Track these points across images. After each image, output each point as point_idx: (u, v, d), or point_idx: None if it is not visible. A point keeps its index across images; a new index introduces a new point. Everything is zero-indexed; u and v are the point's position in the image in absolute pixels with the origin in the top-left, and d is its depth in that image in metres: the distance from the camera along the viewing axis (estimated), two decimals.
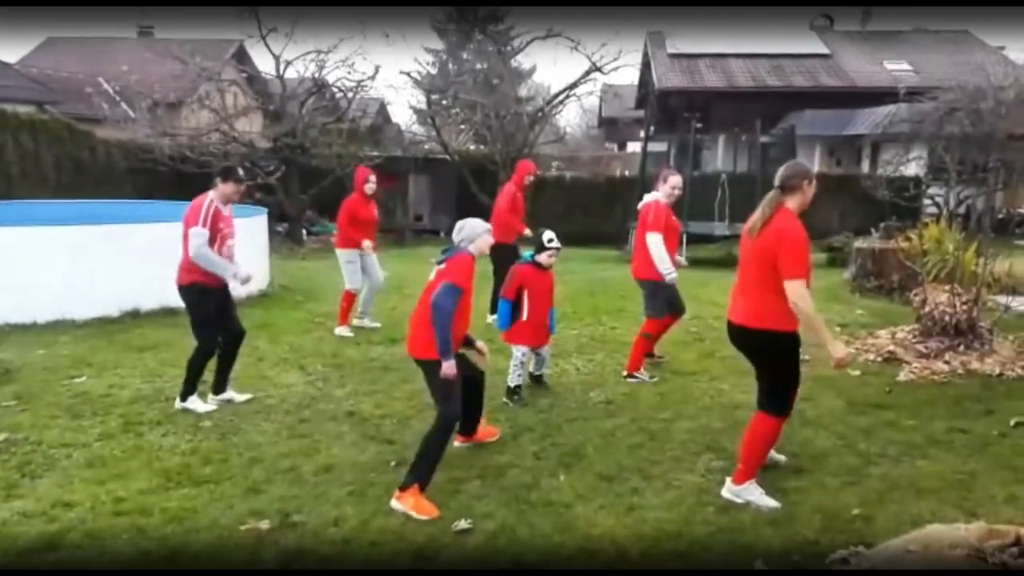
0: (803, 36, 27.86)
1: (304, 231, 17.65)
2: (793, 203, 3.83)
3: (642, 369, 6.06)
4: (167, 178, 16.63)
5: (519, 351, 5.47)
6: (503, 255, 7.04)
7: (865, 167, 21.52)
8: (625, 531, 3.56)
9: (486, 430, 4.69)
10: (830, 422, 4.99)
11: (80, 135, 16.58)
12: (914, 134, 16.30)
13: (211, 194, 5.22)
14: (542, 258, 5.39)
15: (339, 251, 7.71)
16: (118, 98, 19.48)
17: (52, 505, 3.74)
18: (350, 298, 7.61)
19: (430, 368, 3.98)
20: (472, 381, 4.39)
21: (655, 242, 5.85)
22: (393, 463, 4.27)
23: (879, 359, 6.49)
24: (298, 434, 4.73)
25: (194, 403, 5.19)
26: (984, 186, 13.22)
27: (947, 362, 6.19)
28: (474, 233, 4.22)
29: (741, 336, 3.96)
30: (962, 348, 6.39)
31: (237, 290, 5.70)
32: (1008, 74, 15.73)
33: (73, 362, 6.24)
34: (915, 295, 7.13)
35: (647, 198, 6.21)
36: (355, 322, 7.71)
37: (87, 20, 58.64)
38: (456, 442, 4.44)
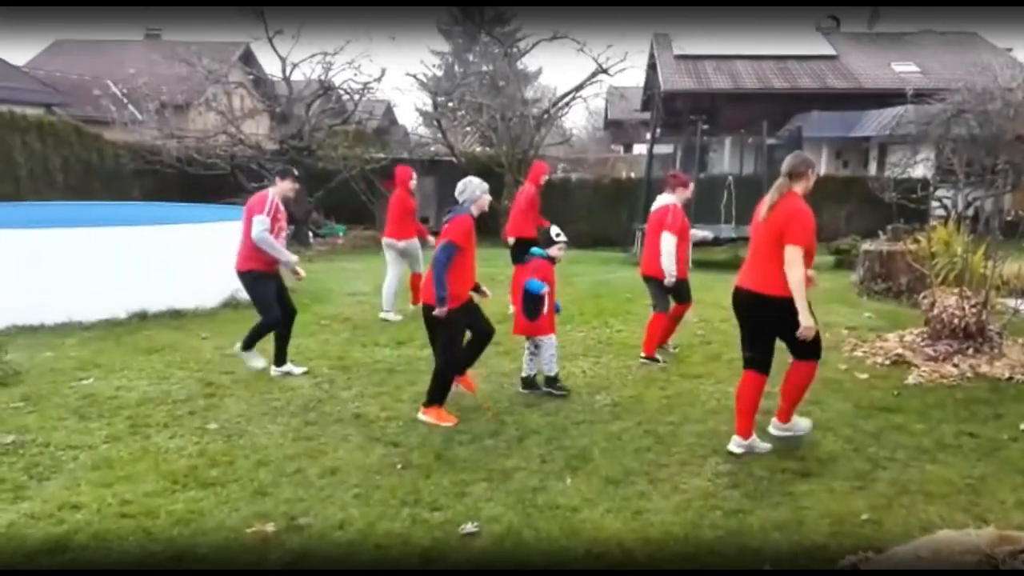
0: (809, 37, 27.79)
1: (311, 233, 17.67)
2: (799, 188, 4.41)
3: (657, 354, 6.55)
4: (174, 180, 16.69)
5: (552, 340, 5.62)
6: (525, 251, 7.23)
7: (872, 169, 21.44)
8: (632, 535, 3.55)
9: (468, 381, 5.43)
10: (838, 425, 4.96)
11: (88, 137, 16.66)
12: (922, 136, 16.23)
13: (272, 190, 5.99)
14: (553, 251, 5.67)
15: (396, 241, 8.31)
16: (126, 100, 19.54)
17: (59, 507, 3.74)
18: (418, 279, 8.20)
19: (432, 312, 4.83)
20: (483, 332, 5.27)
21: (669, 241, 6.38)
22: (399, 465, 4.27)
23: (887, 362, 6.45)
24: (304, 436, 4.73)
25: (251, 357, 6.04)
26: (993, 188, 13.14)
27: (956, 365, 6.15)
28: (474, 194, 5.04)
29: (749, 300, 4.42)
30: (971, 351, 6.34)
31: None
32: (1016, 75, 15.65)
33: (80, 364, 6.25)
34: (923, 298, 7.09)
35: (662, 200, 6.68)
36: (380, 315, 8.25)
37: (95, 23, 58.94)
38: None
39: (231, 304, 8.52)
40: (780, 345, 4.47)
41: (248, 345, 6.04)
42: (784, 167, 4.46)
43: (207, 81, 18.05)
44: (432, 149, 20.85)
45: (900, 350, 6.61)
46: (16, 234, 7.85)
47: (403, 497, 3.88)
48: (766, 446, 4.52)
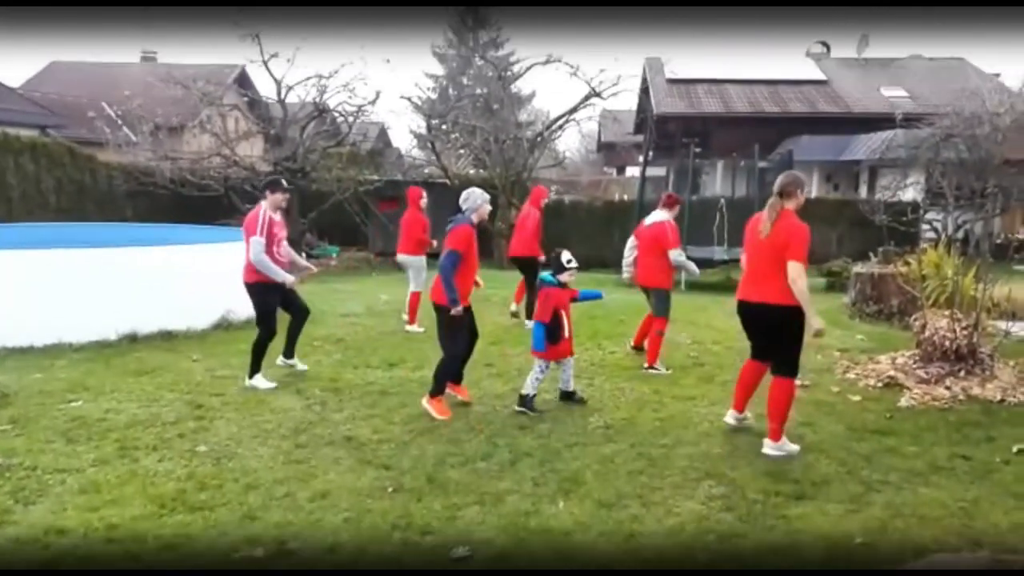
0: (800, 62, 28.13)
1: (304, 254, 17.66)
2: (791, 205, 4.80)
3: (658, 363, 7.07)
4: (167, 201, 16.69)
5: (541, 365, 5.76)
6: (530, 267, 8.96)
7: (863, 192, 21.62)
8: (626, 559, 3.52)
9: (463, 389, 5.90)
10: (831, 448, 4.95)
11: (81, 158, 16.67)
12: (911, 159, 16.40)
13: (263, 204, 6.22)
14: (564, 277, 5.81)
15: (410, 258, 8.87)
16: (120, 122, 19.58)
17: (45, 532, 3.68)
18: (418, 298, 8.71)
19: (442, 312, 5.49)
20: (472, 334, 5.80)
21: (680, 256, 7.26)
22: (390, 489, 4.23)
23: (880, 384, 6.46)
24: (294, 459, 4.69)
25: (259, 381, 6.22)
26: (982, 211, 13.26)
27: (948, 388, 6.16)
28: (476, 203, 5.65)
29: (759, 312, 4.85)
30: (963, 374, 6.36)
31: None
32: (1004, 101, 15.85)
33: (70, 386, 6.20)
34: (915, 320, 7.12)
35: (658, 217, 7.37)
36: (407, 329, 8.71)
37: (91, 44, 59.23)
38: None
39: (222, 325, 8.49)
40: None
41: (254, 371, 6.28)
42: (776, 186, 4.85)
43: (202, 103, 18.12)
44: (426, 171, 20.92)
45: (892, 372, 6.62)
46: (6, 255, 7.82)
47: (394, 521, 3.85)
48: (795, 448, 4.88)
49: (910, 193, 17.09)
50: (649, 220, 7.43)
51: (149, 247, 8.65)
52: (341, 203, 17.38)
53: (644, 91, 27.03)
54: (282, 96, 17.73)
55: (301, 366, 6.74)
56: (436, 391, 5.59)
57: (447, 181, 18.91)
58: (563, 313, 5.71)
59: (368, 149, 22.15)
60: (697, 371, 7.03)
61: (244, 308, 8.87)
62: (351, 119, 18.31)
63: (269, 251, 6.16)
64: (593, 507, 4.04)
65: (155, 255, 8.46)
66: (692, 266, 7.69)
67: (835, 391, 6.32)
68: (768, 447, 4.85)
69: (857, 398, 6.11)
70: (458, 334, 5.60)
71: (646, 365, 7.07)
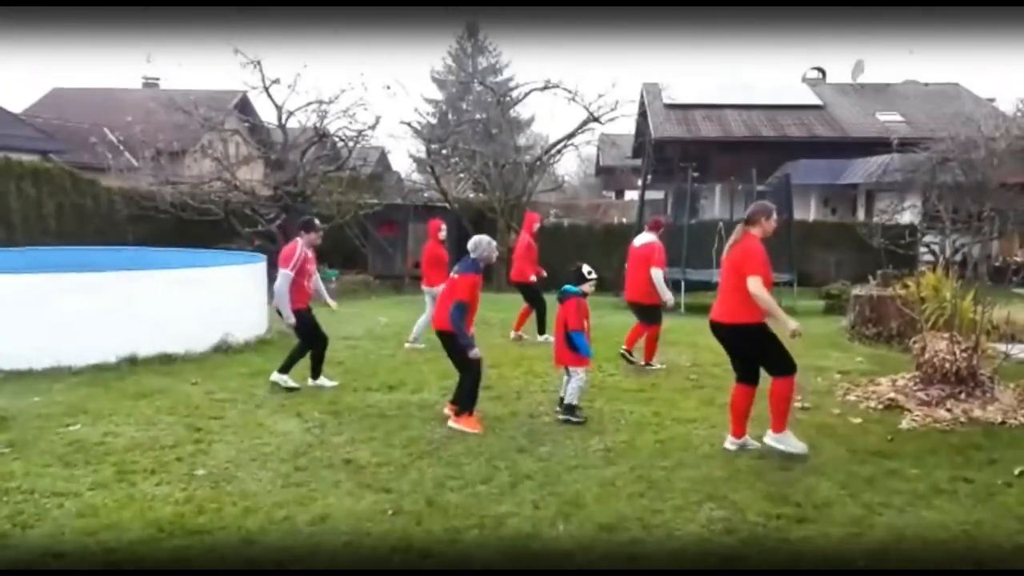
0: (796, 88, 28.39)
1: None
2: (756, 231, 5.13)
3: (655, 360, 7.96)
4: (167, 225, 16.72)
5: (584, 372, 6.14)
6: (528, 290, 9.72)
7: (860, 215, 21.72)
8: None
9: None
10: (832, 471, 4.93)
11: (82, 183, 16.74)
12: (908, 183, 16.50)
13: (300, 242, 6.95)
14: (586, 287, 6.16)
15: (435, 289, 8.75)
16: (122, 147, 19.70)
17: (42, 555, 3.66)
18: None
19: (448, 339, 5.86)
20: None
21: (660, 276, 7.85)
22: (390, 512, 4.21)
23: (880, 407, 6.44)
24: (294, 482, 4.67)
25: (283, 379, 6.88)
26: (980, 234, 13.32)
27: (949, 410, 6.15)
28: (483, 251, 5.97)
29: (722, 330, 5.21)
30: (963, 396, 6.35)
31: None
32: (999, 125, 15.99)
33: (68, 409, 6.18)
34: (914, 342, 7.12)
35: (646, 238, 8.16)
36: (407, 345, 9.01)
37: (93, 69, 59.73)
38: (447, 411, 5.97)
39: (222, 348, 8.48)
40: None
41: (315, 374, 7.10)
42: (745, 214, 5.27)
43: (203, 128, 18.24)
44: (425, 195, 21.03)
45: (893, 394, 6.61)
46: (6, 278, 7.83)
47: (394, 544, 3.82)
48: (757, 444, 5.21)
49: (907, 216, 17.16)
50: (639, 241, 8.28)
51: (149, 271, 8.66)
52: (341, 227, 17.43)
53: (642, 115, 27.25)
54: (283, 121, 17.86)
55: (329, 384, 7.08)
56: (464, 409, 5.85)
57: (447, 205, 19.00)
58: (585, 323, 6.07)
59: (368, 173, 22.27)
60: (697, 394, 7.01)
61: (243, 331, 8.92)
62: (351, 144, 18.43)
63: (299, 283, 6.81)
64: (594, 530, 4.01)
65: (155, 279, 8.48)
66: (667, 292, 7.95)
67: (836, 413, 6.31)
68: (769, 438, 5.12)
69: (858, 420, 6.09)
70: (474, 358, 5.88)
71: (643, 362, 7.95)
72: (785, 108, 26.27)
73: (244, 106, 25.62)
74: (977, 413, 6.07)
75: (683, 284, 14.23)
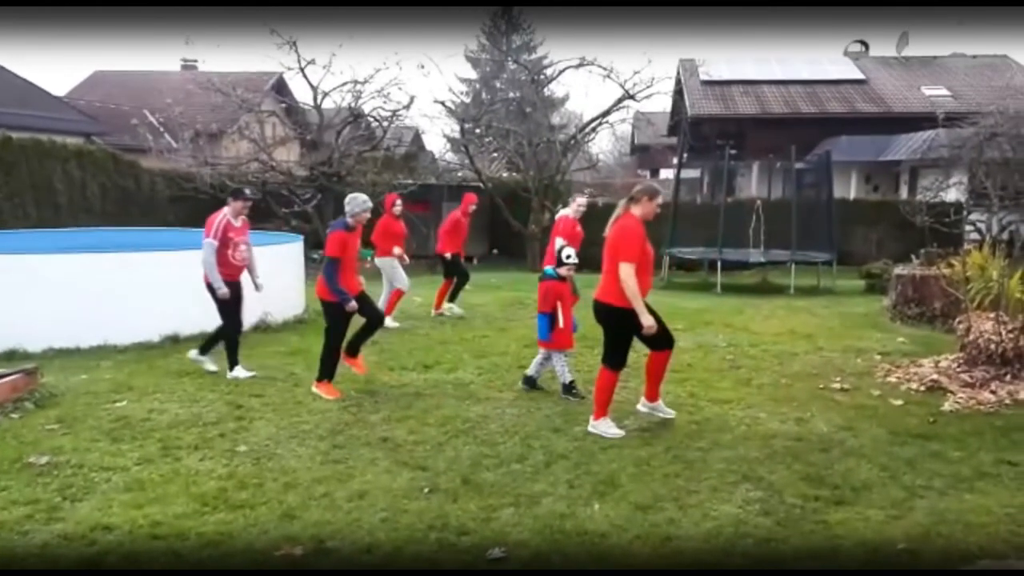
0: (838, 62, 27.67)
1: None
2: (638, 211, 5.09)
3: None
4: (207, 206, 16.83)
5: (562, 356, 6.20)
6: (447, 263, 10.04)
7: (903, 193, 21.18)
8: (661, 562, 3.50)
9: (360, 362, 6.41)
10: (872, 452, 4.86)
11: (125, 165, 17.05)
12: (954, 159, 16.03)
13: (225, 210, 6.70)
14: (563, 271, 6.18)
15: (381, 260, 9.24)
16: (162, 129, 20.01)
17: (91, 528, 3.78)
18: (399, 295, 9.30)
19: (327, 306, 6.16)
20: (374, 318, 6.41)
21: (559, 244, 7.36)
22: (426, 490, 4.26)
23: (922, 388, 6.32)
24: (332, 459, 4.75)
25: (200, 359, 6.85)
26: None
27: (994, 392, 6.01)
28: (354, 209, 6.19)
29: (597, 309, 5.16)
30: (1009, 377, 6.20)
31: (252, 292, 7.07)
32: None
33: (114, 386, 6.35)
34: (959, 323, 6.96)
35: (561, 212, 8.42)
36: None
37: (134, 53, 60.65)
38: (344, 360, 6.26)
39: (261, 327, 8.62)
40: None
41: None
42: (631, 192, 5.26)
43: (240, 110, 18.43)
44: (460, 175, 21.01)
45: (935, 376, 6.48)
46: (53, 259, 8.04)
47: (431, 522, 3.87)
48: (619, 432, 5.17)
49: (952, 194, 16.70)
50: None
51: (190, 251, 8.80)
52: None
53: (678, 93, 26.84)
54: (318, 102, 17.96)
55: (212, 367, 6.82)
56: (324, 375, 6.15)
57: (481, 184, 18.98)
58: (560, 305, 6.09)
59: (403, 153, 22.33)
60: (733, 374, 6.96)
61: (281, 311, 9.05)
62: (386, 124, 18.48)
63: (223, 254, 6.58)
64: (629, 510, 4.02)
65: (196, 259, 8.61)
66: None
67: (876, 395, 6.21)
68: (590, 424, 5.23)
69: (899, 402, 5.99)
70: (342, 323, 6.18)
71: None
72: (826, 83, 25.63)
73: (280, 87, 25.79)
74: (1023, 395, 5.92)
75: (719, 264, 14.07)
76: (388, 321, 8.85)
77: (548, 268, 6.32)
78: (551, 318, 6.10)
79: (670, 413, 5.52)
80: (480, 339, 8.45)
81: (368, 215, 6.29)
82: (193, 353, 6.93)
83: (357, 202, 6.22)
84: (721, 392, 6.32)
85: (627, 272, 4.87)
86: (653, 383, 5.48)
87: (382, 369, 7.09)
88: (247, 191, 7.04)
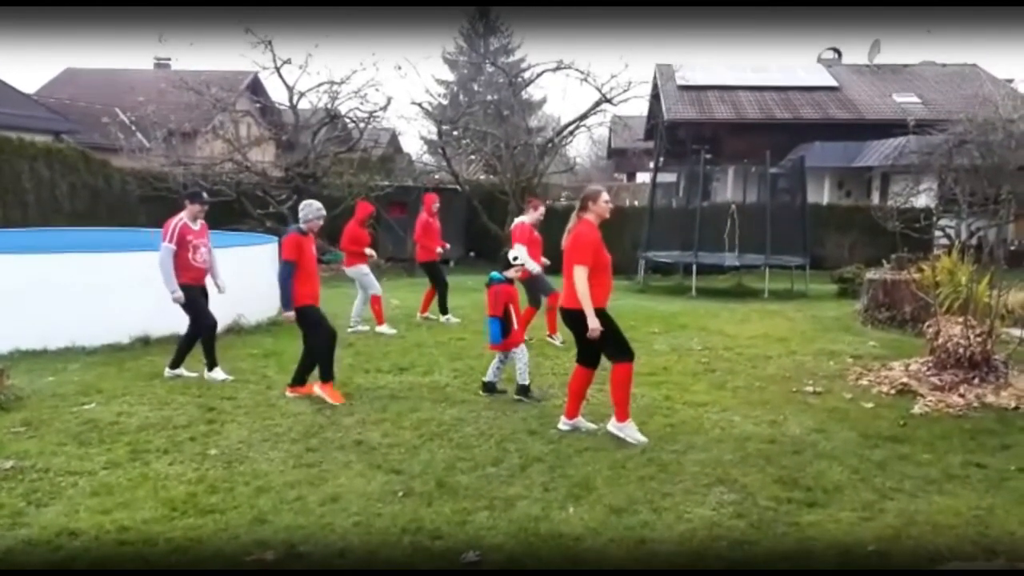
0: (811, 69, 28.02)
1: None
2: (592, 216, 5.18)
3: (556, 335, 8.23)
4: (179, 206, 16.76)
5: (522, 353, 6.21)
6: (431, 268, 9.93)
7: (875, 198, 21.49)
8: (636, 565, 3.50)
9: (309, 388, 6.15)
10: (843, 455, 4.91)
11: (95, 164, 16.79)
12: (924, 166, 16.27)
13: (182, 214, 6.67)
14: (511, 273, 6.29)
15: (352, 268, 9.29)
16: (134, 128, 19.73)
17: (57, 534, 3.70)
18: (378, 301, 9.16)
19: (298, 312, 6.01)
20: (332, 335, 6.24)
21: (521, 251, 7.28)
22: (400, 493, 4.23)
23: (893, 391, 6.40)
24: (305, 463, 4.70)
25: (174, 372, 6.73)
26: (996, 218, 13.15)
27: (962, 395, 6.10)
28: (307, 215, 6.18)
29: (562, 315, 5.35)
30: (977, 381, 6.30)
31: (216, 293, 6.92)
32: (1017, 107, 15.73)
33: (82, 389, 6.23)
34: (928, 327, 7.06)
35: (519, 219, 8.56)
36: (348, 330, 8.80)
37: (106, 50, 59.78)
38: (288, 392, 6.13)
39: (234, 330, 8.52)
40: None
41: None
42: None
43: (215, 109, 18.24)
44: (436, 177, 20.95)
45: (905, 379, 6.57)
46: (20, 259, 7.88)
47: (405, 525, 3.84)
48: (592, 426, 5.31)
49: (923, 199, 16.96)
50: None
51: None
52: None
53: (655, 97, 26.99)
54: (294, 102, 17.83)
55: (188, 373, 6.73)
56: (325, 376, 6.09)
57: (457, 187, 18.95)
58: (511, 307, 6.17)
59: (379, 155, 22.22)
60: (708, 377, 7.00)
61: (254, 313, 8.96)
62: (362, 125, 18.38)
63: (183, 257, 6.49)
64: (603, 512, 4.02)
65: None
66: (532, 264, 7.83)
67: (847, 398, 6.28)
68: (612, 426, 5.18)
69: (870, 405, 6.06)
70: (319, 323, 6.15)
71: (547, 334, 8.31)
72: (800, 89, 25.94)
73: (256, 87, 25.57)
74: (991, 398, 6.02)
75: (695, 267, 14.17)
76: (385, 328, 9.01)
77: (495, 272, 6.34)
78: (502, 322, 6.13)
79: (592, 427, 5.37)
80: (456, 342, 8.42)
81: (321, 223, 6.28)
82: (168, 372, 6.75)
83: (311, 209, 6.22)
84: (696, 395, 6.35)
85: (579, 274, 4.99)
86: (617, 401, 5.21)
87: (357, 372, 7.03)
88: (204, 194, 7.01)
